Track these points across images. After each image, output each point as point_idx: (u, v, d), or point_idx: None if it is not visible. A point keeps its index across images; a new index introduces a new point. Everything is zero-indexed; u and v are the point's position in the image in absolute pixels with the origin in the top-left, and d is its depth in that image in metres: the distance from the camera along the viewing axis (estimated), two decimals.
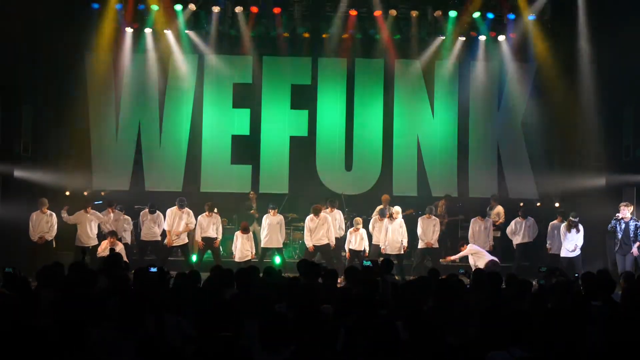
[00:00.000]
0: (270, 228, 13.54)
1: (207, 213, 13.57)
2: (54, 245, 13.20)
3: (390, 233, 13.37)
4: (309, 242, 13.34)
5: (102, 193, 15.63)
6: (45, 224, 13.00)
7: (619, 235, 11.93)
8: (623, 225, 11.93)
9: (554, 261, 12.70)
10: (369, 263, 8.42)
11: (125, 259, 11.94)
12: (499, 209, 14.95)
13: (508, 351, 4.47)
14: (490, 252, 13.69)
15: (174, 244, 13.51)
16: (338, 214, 14.02)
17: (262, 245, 13.57)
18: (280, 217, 13.80)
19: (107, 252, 11.63)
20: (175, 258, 14.06)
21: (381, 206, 14.28)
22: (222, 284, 7.23)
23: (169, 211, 13.51)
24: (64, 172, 15.13)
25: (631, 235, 11.88)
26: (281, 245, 13.76)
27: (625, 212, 11.91)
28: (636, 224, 11.87)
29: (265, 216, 13.81)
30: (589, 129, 14.96)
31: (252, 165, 16.62)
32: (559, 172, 15.65)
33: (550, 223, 13.78)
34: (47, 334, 4.16)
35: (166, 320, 5.46)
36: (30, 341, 4.00)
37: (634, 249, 11.80)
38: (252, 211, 14.96)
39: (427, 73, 16.66)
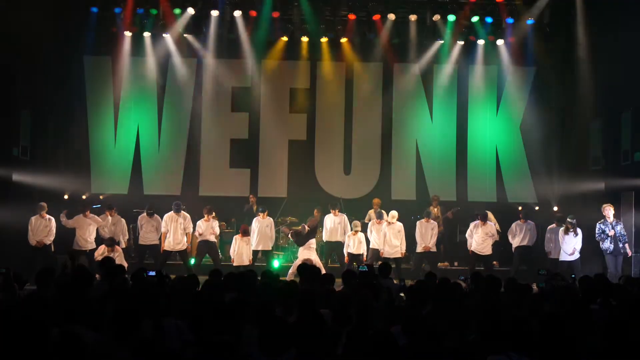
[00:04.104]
0: (261, 231, 13.65)
1: (205, 217, 13.55)
2: (53, 249, 13.18)
3: (388, 237, 13.38)
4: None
5: (101, 197, 15.64)
6: (44, 228, 12.98)
7: (609, 237, 12.11)
8: (611, 227, 12.12)
9: (553, 266, 12.71)
10: (364, 268, 8.42)
11: (124, 262, 11.95)
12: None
13: (506, 355, 4.46)
14: (490, 256, 13.73)
15: (174, 249, 13.49)
16: (342, 218, 13.99)
17: (253, 247, 13.60)
18: (269, 220, 13.87)
19: (105, 256, 11.63)
20: (173, 262, 14.04)
21: (372, 210, 14.32)
22: (220, 287, 7.22)
23: (166, 216, 13.49)
24: (63, 175, 15.12)
25: (618, 236, 12.11)
26: (270, 248, 13.93)
27: (610, 213, 12.17)
28: (621, 226, 12.15)
29: (255, 219, 13.88)
30: (588, 133, 14.98)
31: (251, 169, 16.62)
32: (557, 176, 15.67)
33: (548, 227, 13.78)
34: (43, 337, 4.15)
35: (164, 325, 5.45)
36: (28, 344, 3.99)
37: (628, 251, 12.09)
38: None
39: (425, 77, 16.69)
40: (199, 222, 13.55)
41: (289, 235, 13.05)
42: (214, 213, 13.75)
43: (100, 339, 4.77)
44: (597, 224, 12.29)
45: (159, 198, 15.17)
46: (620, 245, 12.09)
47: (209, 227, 13.51)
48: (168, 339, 5.35)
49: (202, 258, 13.73)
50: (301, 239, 12.85)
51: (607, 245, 12.16)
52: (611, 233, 12.08)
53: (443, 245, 15.21)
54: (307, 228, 12.88)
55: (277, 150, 16.67)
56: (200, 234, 13.45)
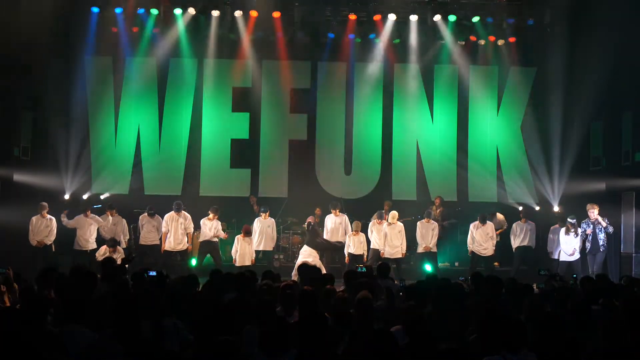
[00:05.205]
0: (262, 231, 13.68)
1: (210, 216, 13.54)
2: (53, 249, 13.18)
3: (389, 237, 13.37)
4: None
5: (102, 197, 15.64)
6: (45, 228, 12.99)
7: (589, 237, 12.42)
8: (591, 227, 12.38)
9: (554, 266, 12.73)
10: (363, 269, 8.41)
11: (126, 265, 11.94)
12: (500, 216, 14.89)
13: (502, 356, 4.46)
14: (491, 257, 13.72)
15: (175, 249, 13.48)
16: (343, 218, 13.98)
17: (255, 247, 13.60)
18: (271, 220, 13.89)
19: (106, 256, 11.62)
20: (174, 262, 14.03)
21: (381, 211, 14.33)
22: (221, 288, 7.22)
23: (167, 216, 13.48)
24: (64, 175, 15.12)
25: (598, 235, 12.36)
26: (271, 248, 13.96)
27: (594, 213, 12.39)
28: (605, 224, 12.34)
29: (256, 219, 13.88)
30: (589, 134, 14.97)
31: (252, 169, 16.61)
32: (558, 176, 15.65)
33: (551, 227, 13.79)
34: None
35: (164, 325, 5.45)
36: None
37: (601, 221, 12.28)
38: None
39: (426, 77, 16.67)
40: (203, 221, 13.54)
41: (306, 226, 13.16)
42: (218, 214, 13.73)
43: (100, 339, 4.77)
44: (582, 223, 12.46)
45: (159, 198, 15.16)
46: (601, 243, 12.32)
47: (212, 227, 13.50)
48: (168, 339, 5.35)
49: (204, 258, 13.73)
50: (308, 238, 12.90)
51: (586, 244, 12.49)
52: (589, 231, 12.27)
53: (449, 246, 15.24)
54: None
55: (278, 151, 16.66)
56: (217, 232, 13.48)
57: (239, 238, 13.39)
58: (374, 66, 16.75)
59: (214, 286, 7.37)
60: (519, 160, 16.44)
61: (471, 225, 13.80)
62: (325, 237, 13.79)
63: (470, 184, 16.51)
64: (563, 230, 12.83)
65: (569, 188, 14.98)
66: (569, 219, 12.71)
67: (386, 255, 13.23)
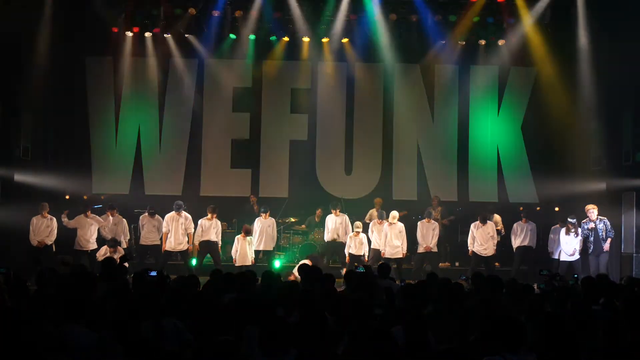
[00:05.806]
0: (263, 231, 13.70)
1: (209, 216, 13.54)
2: (54, 249, 13.18)
3: (389, 237, 13.38)
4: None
5: (102, 197, 15.64)
6: (45, 228, 13.00)
7: (591, 238, 12.44)
8: (592, 224, 12.43)
9: (554, 266, 12.73)
10: (362, 269, 8.42)
11: (125, 263, 11.94)
12: (497, 218, 14.88)
13: (502, 356, 4.46)
14: (492, 257, 13.70)
15: (175, 249, 13.47)
16: (344, 218, 14.00)
17: (255, 247, 13.62)
18: (271, 220, 13.91)
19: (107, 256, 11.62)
20: (175, 262, 14.04)
21: (374, 210, 14.33)
22: (221, 288, 7.22)
23: (167, 216, 13.47)
24: (64, 176, 15.11)
25: (600, 235, 12.34)
26: (272, 248, 13.95)
27: (594, 214, 12.44)
28: (604, 223, 12.38)
29: (257, 219, 13.90)
30: (589, 133, 14.96)
31: (252, 169, 16.61)
32: (558, 176, 15.63)
33: (552, 227, 13.79)
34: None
35: (164, 325, 5.45)
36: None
37: (606, 245, 12.29)
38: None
39: (427, 77, 16.67)
40: (201, 221, 13.53)
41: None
42: (216, 213, 13.74)
43: (100, 339, 4.77)
44: (582, 223, 12.47)
45: (160, 198, 15.17)
46: (604, 243, 12.31)
47: (211, 227, 13.49)
48: (168, 339, 5.35)
49: (203, 258, 13.73)
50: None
51: (588, 244, 12.49)
52: (591, 226, 12.29)
53: (449, 245, 15.27)
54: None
55: (278, 151, 16.66)
56: (217, 233, 13.50)
57: (238, 238, 13.41)
58: (374, 66, 16.76)
59: (214, 286, 7.38)
60: (520, 160, 16.44)
61: (472, 225, 13.79)
62: (325, 236, 13.86)
63: (471, 184, 16.52)
64: (563, 230, 12.84)
65: (569, 188, 14.96)
66: (569, 219, 12.71)
67: (387, 256, 13.25)
